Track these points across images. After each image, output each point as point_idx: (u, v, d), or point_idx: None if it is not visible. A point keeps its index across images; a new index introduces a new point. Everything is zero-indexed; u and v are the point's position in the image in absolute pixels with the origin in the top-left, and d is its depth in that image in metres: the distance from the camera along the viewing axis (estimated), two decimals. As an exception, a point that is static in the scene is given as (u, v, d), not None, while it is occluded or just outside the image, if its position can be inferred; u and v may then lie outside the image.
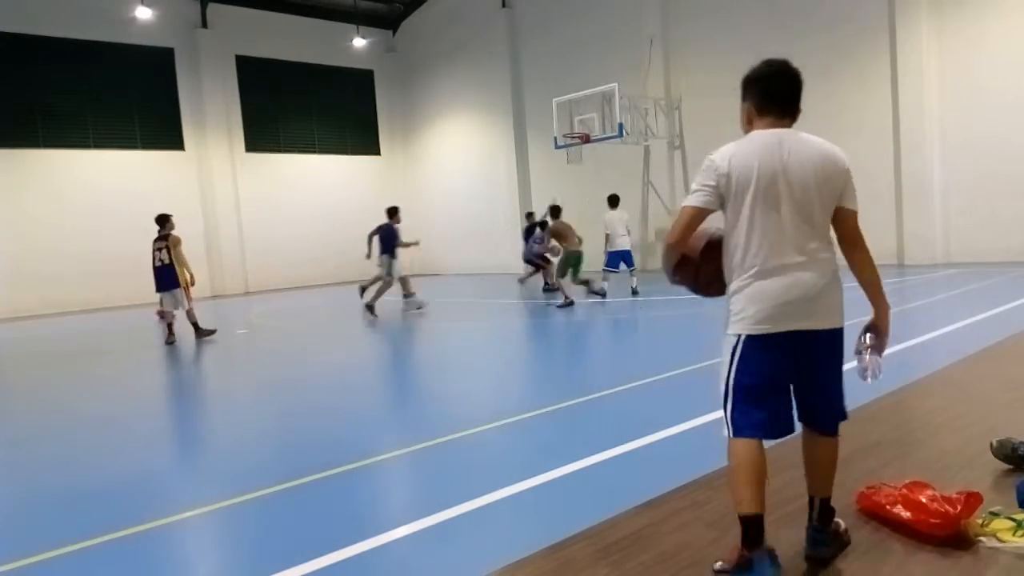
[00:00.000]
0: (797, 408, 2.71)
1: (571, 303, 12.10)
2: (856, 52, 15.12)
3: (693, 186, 2.75)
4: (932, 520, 2.78)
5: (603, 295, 12.61)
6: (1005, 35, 13.34)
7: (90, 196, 19.71)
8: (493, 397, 6.48)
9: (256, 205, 22.60)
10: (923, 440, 4.03)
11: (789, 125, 2.72)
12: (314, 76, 24.16)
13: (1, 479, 4.90)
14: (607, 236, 13.20)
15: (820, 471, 2.78)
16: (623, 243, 12.99)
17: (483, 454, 4.55)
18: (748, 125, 2.81)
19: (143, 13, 19.39)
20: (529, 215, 17.23)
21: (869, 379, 2.77)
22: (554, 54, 20.83)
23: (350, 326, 12.19)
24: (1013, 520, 2.76)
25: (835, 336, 2.67)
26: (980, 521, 2.80)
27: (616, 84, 16.54)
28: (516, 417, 5.20)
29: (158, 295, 11.16)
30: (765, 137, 2.67)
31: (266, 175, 23.11)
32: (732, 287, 2.65)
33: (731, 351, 2.61)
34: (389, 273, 12.80)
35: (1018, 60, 13.16)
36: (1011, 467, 3.40)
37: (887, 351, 2.78)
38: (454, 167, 24.71)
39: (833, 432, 2.78)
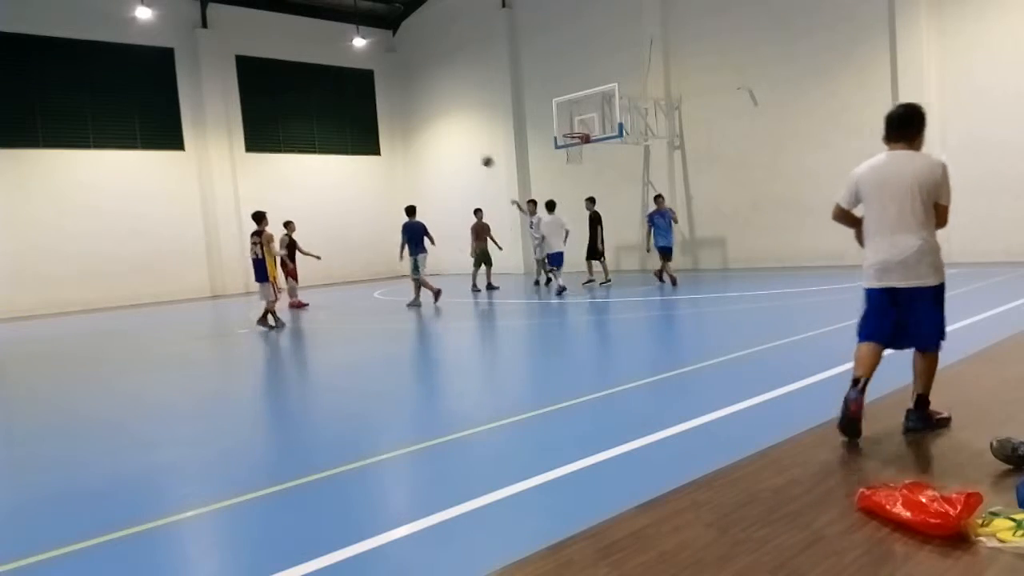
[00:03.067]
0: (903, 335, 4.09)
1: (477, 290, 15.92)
2: (856, 52, 15.11)
3: (840, 191, 4.24)
4: (932, 520, 2.78)
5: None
6: (1005, 35, 13.33)
7: (90, 196, 19.70)
8: (493, 397, 6.48)
9: (256, 205, 22.37)
10: (923, 440, 4.03)
11: (906, 148, 4.00)
12: (314, 76, 24.16)
13: (1, 479, 4.90)
14: (543, 238, 14.92)
15: (918, 374, 4.13)
16: (558, 245, 14.61)
17: (483, 454, 4.55)
18: (884, 144, 4.10)
19: (143, 13, 19.38)
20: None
21: None
22: (554, 54, 20.83)
23: (349, 326, 12.20)
24: (1013, 520, 2.76)
25: (919, 291, 3.99)
26: (980, 521, 2.80)
27: (616, 84, 16.54)
28: (516, 417, 5.20)
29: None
30: (883, 158, 4.06)
31: (266, 175, 23.10)
32: (865, 248, 4.19)
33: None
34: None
35: (1018, 60, 13.15)
36: (1011, 467, 3.40)
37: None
38: (454, 167, 24.70)
39: (925, 350, 4.09)
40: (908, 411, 4.14)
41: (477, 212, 16.73)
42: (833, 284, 12.12)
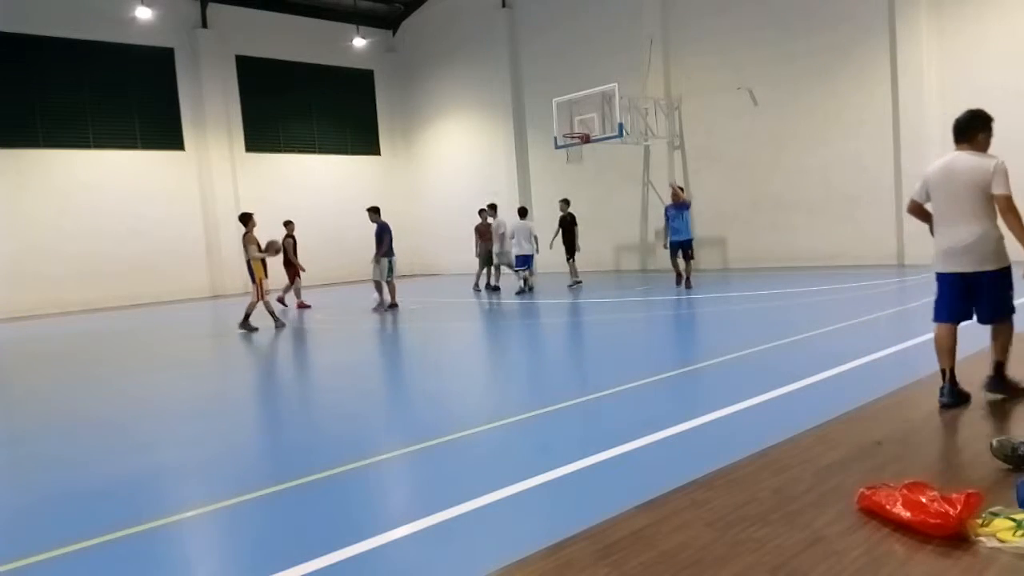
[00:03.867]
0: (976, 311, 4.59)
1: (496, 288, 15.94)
2: (856, 52, 15.11)
3: (915, 186, 4.86)
4: (932, 520, 2.78)
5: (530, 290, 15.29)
6: (1005, 35, 13.33)
7: (90, 196, 19.69)
8: (492, 397, 6.48)
9: (256, 205, 22.47)
10: (923, 440, 4.03)
11: (968, 148, 4.59)
12: (314, 76, 24.15)
13: (1, 479, 4.90)
14: (502, 243, 15.49)
15: (996, 344, 4.62)
16: (527, 249, 15.32)
17: (483, 454, 4.55)
18: (954, 145, 4.68)
19: (143, 13, 19.38)
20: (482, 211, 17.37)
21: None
22: (554, 54, 20.83)
23: (348, 326, 12.20)
24: (1013, 520, 2.76)
25: (981, 274, 4.45)
26: (980, 521, 2.79)
27: (616, 84, 16.54)
28: (516, 417, 5.20)
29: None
30: (946, 158, 4.67)
31: (266, 175, 23.09)
32: (934, 238, 4.72)
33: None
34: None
35: (1018, 60, 13.15)
36: (1011, 467, 3.40)
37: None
38: (454, 167, 24.71)
39: (998, 322, 4.59)
40: (988, 377, 4.64)
41: (482, 212, 16.65)
42: (833, 284, 12.12)
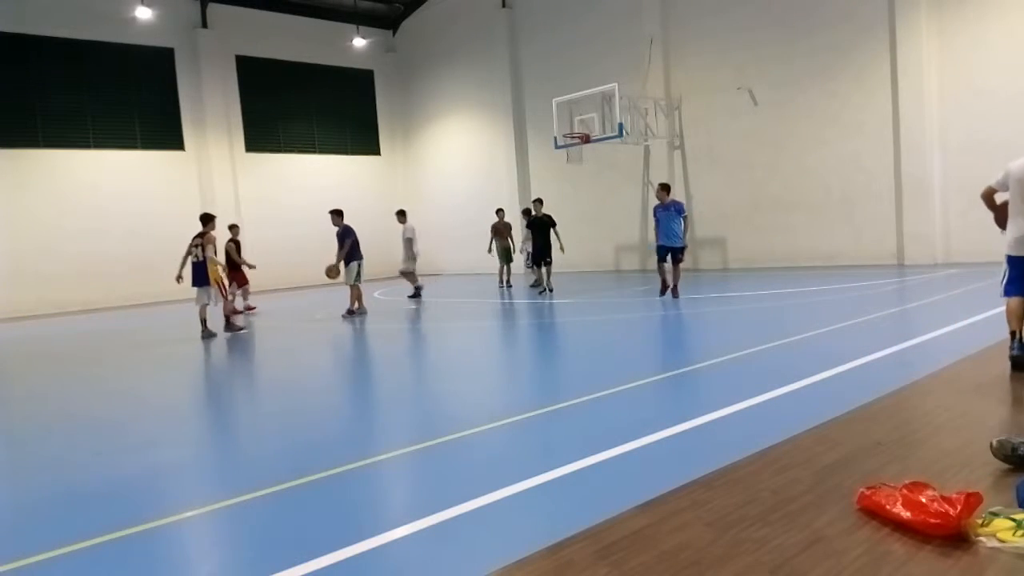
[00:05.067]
0: None
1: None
2: (856, 52, 15.12)
3: (996, 175, 5.46)
4: (932, 520, 2.78)
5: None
6: (1005, 35, 13.33)
7: (90, 196, 19.72)
8: (493, 397, 6.48)
9: (256, 205, 22.61)
10: (923, 440, 4.03)
11: None
12: (314, 76, 24.17)
13: (1, 479, 4.90)
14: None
15: None
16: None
17: (483, 454, 4.55)
18: None
19: (143, 13, 19.41)
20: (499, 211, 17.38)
21: None
22: (554, 54, 20.83)
23: (347, 326, 12.19)
24: (1013, 520, 2.76)
25: None
26: (980, 521, 2.79)
27: (616, 84, 16.54)
28: (516, 417, 5.20)
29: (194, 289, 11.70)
30: None
31: (266, 175, 23.10)
32: (1008, 226, 5.47)
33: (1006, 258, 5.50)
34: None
35: (1018, 60, 13.15)
36: (1011, 467, 3.40)
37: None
38: (454, 167, 24.72)
39: None
40: (1016, 342, 5.27)
41: (499, 212, 16.98)
42: (833, 284, 12.12)
